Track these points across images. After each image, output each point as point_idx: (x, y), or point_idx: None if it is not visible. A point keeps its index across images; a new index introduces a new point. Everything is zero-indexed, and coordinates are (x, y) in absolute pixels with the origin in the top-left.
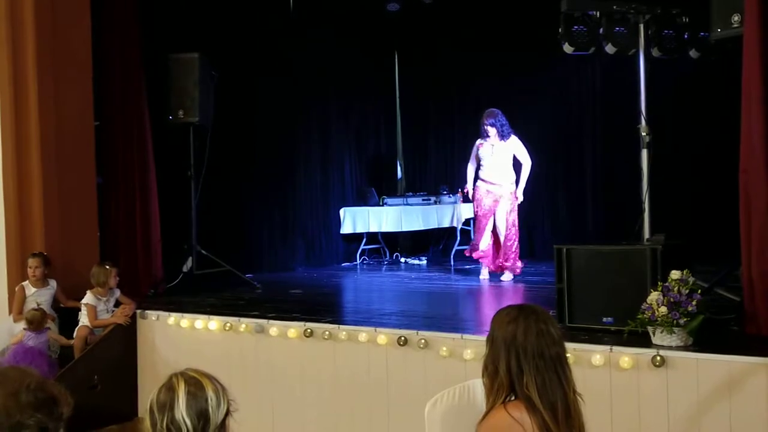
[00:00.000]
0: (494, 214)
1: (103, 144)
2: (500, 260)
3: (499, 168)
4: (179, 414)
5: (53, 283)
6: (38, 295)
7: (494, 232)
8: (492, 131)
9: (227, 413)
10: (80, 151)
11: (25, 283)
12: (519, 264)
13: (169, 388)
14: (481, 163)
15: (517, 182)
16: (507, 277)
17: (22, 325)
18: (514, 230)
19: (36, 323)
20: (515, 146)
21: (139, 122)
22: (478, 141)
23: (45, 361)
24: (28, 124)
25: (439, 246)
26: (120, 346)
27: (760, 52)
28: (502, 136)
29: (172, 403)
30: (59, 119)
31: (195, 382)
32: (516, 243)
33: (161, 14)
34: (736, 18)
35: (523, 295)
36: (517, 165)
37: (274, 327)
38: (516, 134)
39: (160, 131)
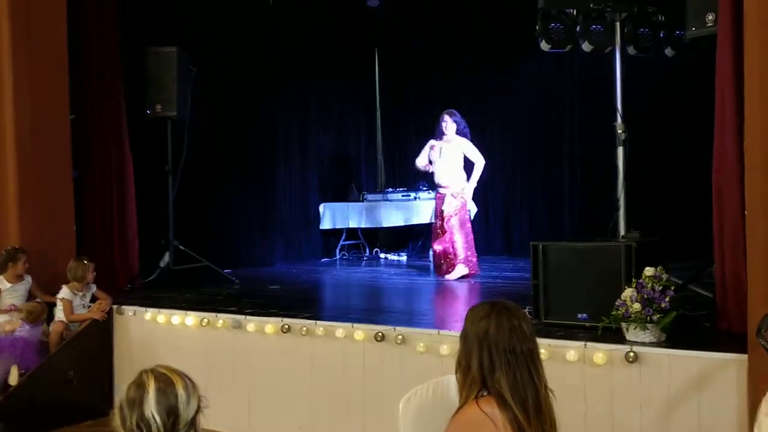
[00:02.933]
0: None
1: (79, 137)
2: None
3: (450, 170)
4: (149, 411)
5: (28, 278)
6: (13, 290)
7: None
8: (452, 128)
9: (198, 410)
10: (56, 144)
11: (0, 277)
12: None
13: (139, 384)
14: (433, 165)
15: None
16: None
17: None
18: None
19: (35, 315)
20: (465, 147)
21: (116, 116)
22: (432, 142)
23: (33, 351)
24: (3, 116)
25: (418, 242)
26: (96, 342)
27: (733, 51)
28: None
29: (141, 400)
30: (35, 112)
31: (165, 379)
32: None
33: (139, 7)
34: (710, 17)
35: (500, 292)
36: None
37: (252, 323)
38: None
39: (138, 125)
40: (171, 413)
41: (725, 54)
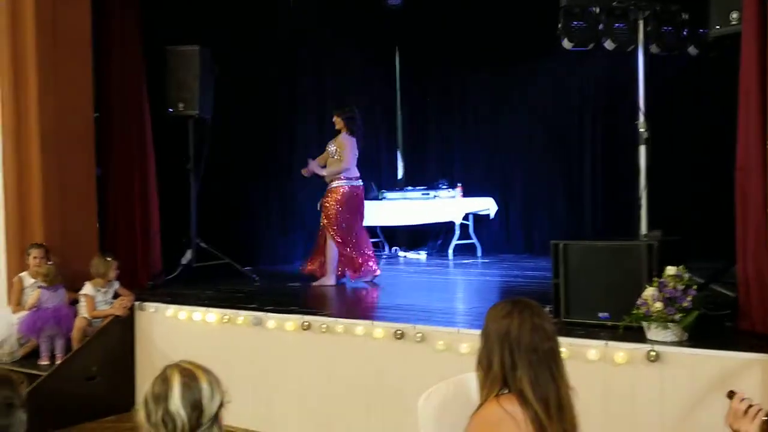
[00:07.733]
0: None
1: (102, 135)
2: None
3: None
4: (174, 405)
5: None
6: (36, 286)
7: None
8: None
9: (221, 405)
10: (80, 142)
11: (23, 274)
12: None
13: (164, 379)
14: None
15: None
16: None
17: (18, 315)
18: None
19: (51, 276)
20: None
21: (138, 114)
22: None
23: (69, 319)
24: (28, 115)
25: (437, 240)
26: (118, 338)
27: (757, 50)
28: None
29: (166, 395)
30: (59, 110)
31: (189, 374)
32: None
33: (162, 6)
34: (734, 15)
35: (521, 291)
36: None
37: (272, 320)
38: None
39: (160, 123)
40: (195, 408)
41: (750, 52)
